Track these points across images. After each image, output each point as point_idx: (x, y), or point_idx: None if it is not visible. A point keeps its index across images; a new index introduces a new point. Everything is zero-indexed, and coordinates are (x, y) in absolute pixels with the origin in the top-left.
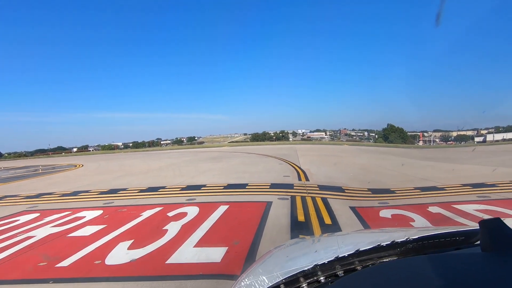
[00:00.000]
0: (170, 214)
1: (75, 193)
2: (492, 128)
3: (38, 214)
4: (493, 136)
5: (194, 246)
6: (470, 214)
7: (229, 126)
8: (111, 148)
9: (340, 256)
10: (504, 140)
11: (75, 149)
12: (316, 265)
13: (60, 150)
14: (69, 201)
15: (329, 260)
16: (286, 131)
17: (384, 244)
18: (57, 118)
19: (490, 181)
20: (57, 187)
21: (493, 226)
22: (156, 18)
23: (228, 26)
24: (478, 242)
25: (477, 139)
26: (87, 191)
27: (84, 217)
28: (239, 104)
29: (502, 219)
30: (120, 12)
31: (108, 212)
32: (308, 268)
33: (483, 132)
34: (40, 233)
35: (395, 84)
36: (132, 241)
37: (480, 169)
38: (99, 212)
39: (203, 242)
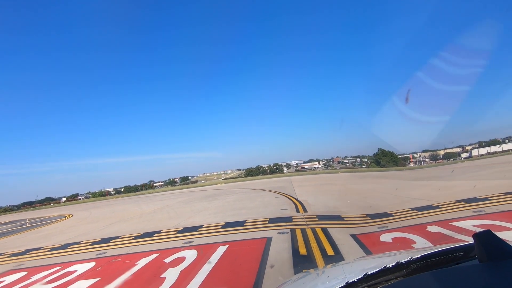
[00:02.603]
0: (167, 260)
1: (64, 246)
2: (476, 143)
3: (25, 273)
4: (478, 151)
5: None
6: (469, 230)
7: (222, 163)
8: (102, 194)
9: (350, 281)
10: (488, 153)
11: (64, 199)
12: None
13: (48, 201)
14: (59, 255)
15: (340, 287)
16: (279, 163)
17: (390, 266)
18: (43, 168)
19: (482, 195)
20: (46, 241)
21: (485, 238)
22: (138, 57)
23: (216, 61)
24: (476, 255)
25: (463, 155)
26: (77, 243)
27: (75, 271)
28: (230, 140)
29: (502, 232)
30: (102, 55)
31: (101, 264)
32: None
33: (468, 148)
34: None
35: (379, 110)
36: None
37: (470, 184)
38: (92, 264)
39: None
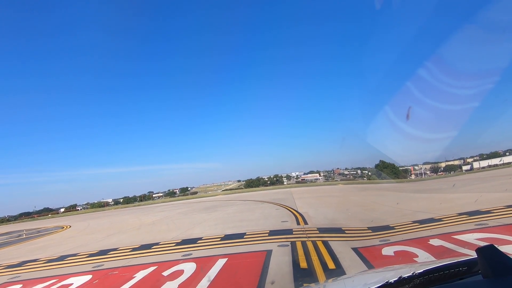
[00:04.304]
0: (165, 273)
1: (61, 258)
2: (476, 156)
3: (20, 286)
4: (479, 164)
5: None
6: (472, 244)
7: (222, 174)
8: (100, 205)
9: None
10: (489, 166)
11: (62, 210)
12: None
13: (46, 212)
14: (55, 267)
15: None
16: (280, 175)
17: (392, 281)
18: (42, 178)
19: (484, 207)
20: (42, 253)
21: (488, 253)
22: (135, 66)
23: (214, 72)
24: (479, 270)
25: (464, 167)
26: (74, 255)
27: (72, 284)
28: (230, 151)
29: (506, 246)
30: (98, 64)
31: (98, 276)
32: None
33: (469, 160)
34: None
35: (376, 123)
36: None
37: (472, 196)
38: (88, 277)
39: None
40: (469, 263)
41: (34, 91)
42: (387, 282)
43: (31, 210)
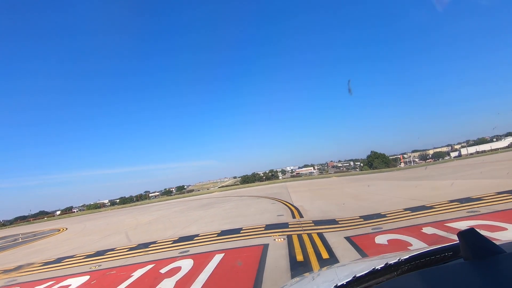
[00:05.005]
0: (163, 270)
1: (58, 260)
2: (464, 142)
3: None
4: (467, 150)
5: None
6: None
7: (217, 171)
8: (97, 206)
9: (339, 284)
10: (477, 152)
11: (58, 212)
12: None
13: (42, 215)
14: (52, 270)
15: None
16: (275, 170)
17: (378, 267)
18: (36, 181)
19: (475, 194)
20: (39, 256)
21: (469, 236)
22: (136, 65)
23: (210, 68)
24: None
25: (453, 154)
26: (71, 256)
27: (69, 285)
28: (225, 148)
29: (498, 232)
30: (93, 64)
31: (96, 277)
32: None
33: (457, 147)
34: None
35: (369, 115)
36: None
37: (461, 183)
38: (86, 277)
39: None
40: (454, 247)
41: (27, 94)
42: (373, 268)
43: (26, 214)
